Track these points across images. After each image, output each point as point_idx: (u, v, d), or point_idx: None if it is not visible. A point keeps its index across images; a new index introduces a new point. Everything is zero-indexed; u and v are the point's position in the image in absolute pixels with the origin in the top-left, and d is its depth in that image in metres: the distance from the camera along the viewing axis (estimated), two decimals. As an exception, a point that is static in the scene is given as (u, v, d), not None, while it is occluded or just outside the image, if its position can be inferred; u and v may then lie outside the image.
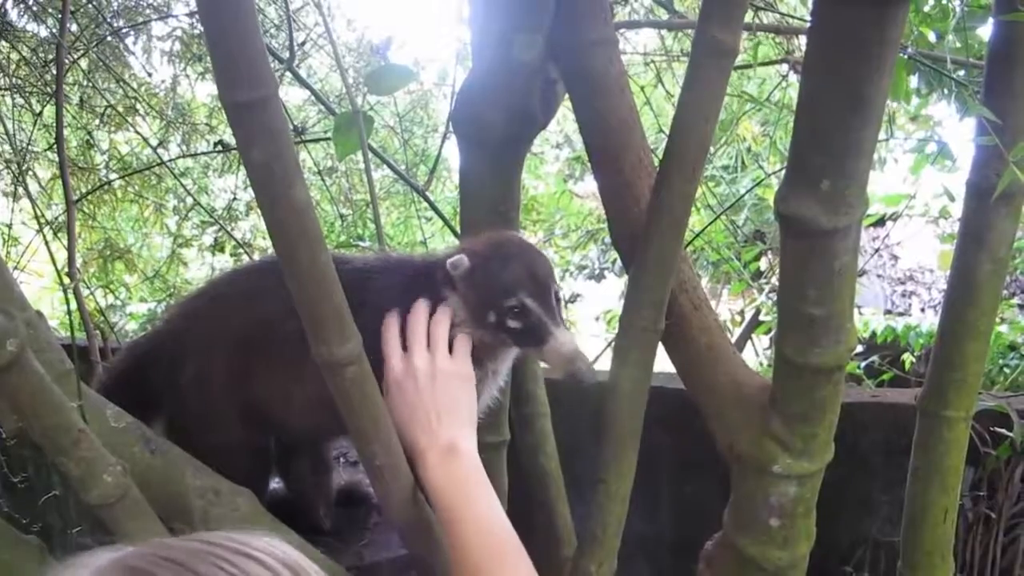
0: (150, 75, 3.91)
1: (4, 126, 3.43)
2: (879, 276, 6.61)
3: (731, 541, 1.59)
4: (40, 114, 3.40)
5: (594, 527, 1.59)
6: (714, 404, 1.56)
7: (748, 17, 2.83)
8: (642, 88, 3.48)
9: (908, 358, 3.98)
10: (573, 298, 5.77)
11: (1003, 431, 2.31)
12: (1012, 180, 1.36)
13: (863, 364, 4.02)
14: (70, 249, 2.24)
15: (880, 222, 6.44)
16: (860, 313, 5.39)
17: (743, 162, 4.95)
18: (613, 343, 1.58)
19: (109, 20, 3.40)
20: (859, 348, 4.40)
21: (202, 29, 1.10)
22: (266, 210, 1.15)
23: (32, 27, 3.61)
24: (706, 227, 3.22)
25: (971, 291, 1.53)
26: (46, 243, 2.18)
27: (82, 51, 3.37)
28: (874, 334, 4.44)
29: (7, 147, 3.56)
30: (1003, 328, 3.67)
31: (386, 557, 1.77)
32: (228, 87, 1.08)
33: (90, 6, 3.28)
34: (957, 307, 1.57)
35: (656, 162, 1.54)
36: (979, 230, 1.51)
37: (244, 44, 1.05)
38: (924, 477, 1.66)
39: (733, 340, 4.87)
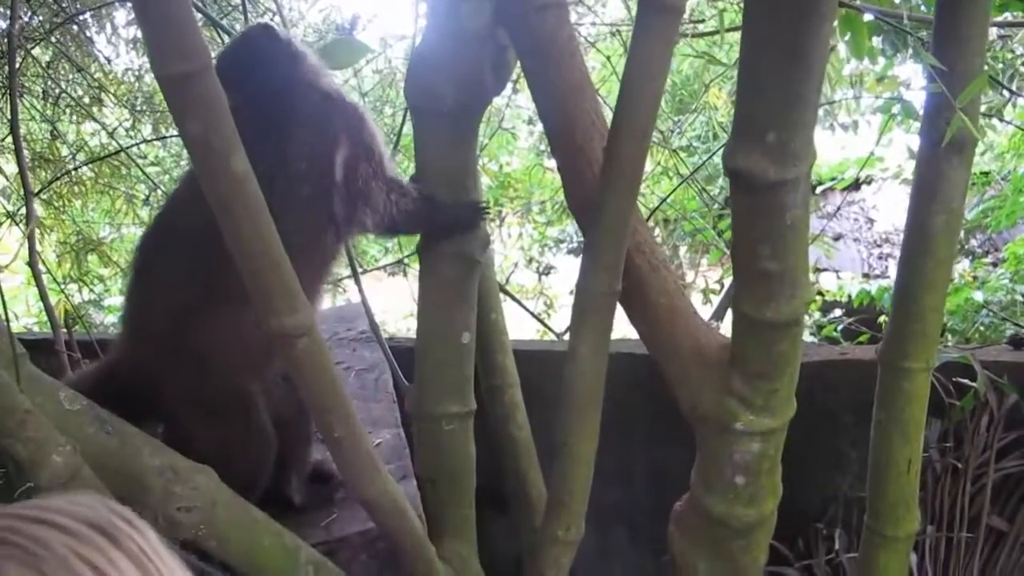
0: (110, 61, 3.86)
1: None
2: (855, 240, 6.62)
3: (699, 501, 1.60)
4: (1, 108, 3.37)
5: (559, 492, 1.59)
6: (676, 366, 1.56)
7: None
8: (608, 58, 3.46)
9: (884, 320, 4.00)
10: (547, 270, 5.77)
11: (968, 382, 2.32)
12: (960, 127, 1.36)
13: (840, 327, 4.04)
14: (30, 240, 2.22)
15: (855, 185, 6.46)
16: (838, 277, 5.41)
17: (715, 132, 4.94)
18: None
19: (66, 8, 3.35)
20: (836, 312, 4.43)
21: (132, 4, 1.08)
22: (205, 183, 1.14)
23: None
24: (671, 192, 3.22)
25: (926, 242, 1.54)
26: (16, 238, 2.15)
27: (38, 41, 3.33)
28: (850, 297, 4.45)
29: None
30: (978, 294, 3.68)
31: (354, 531, 1.77)
32: (160, 60, 1.07)
33: (46, -4, 3.24)
34: (913, 259, 1.57)
35: (610, 126, 1.53)
36: (932, 181, 1.51)
37: (173, 17, 1.04)
38: (886, 429, 1.67)
39: (713, 308, 4.89)
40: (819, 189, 6.25)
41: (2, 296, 1.49)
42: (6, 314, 1.99)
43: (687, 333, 1.55)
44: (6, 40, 2.69)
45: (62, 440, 1.16)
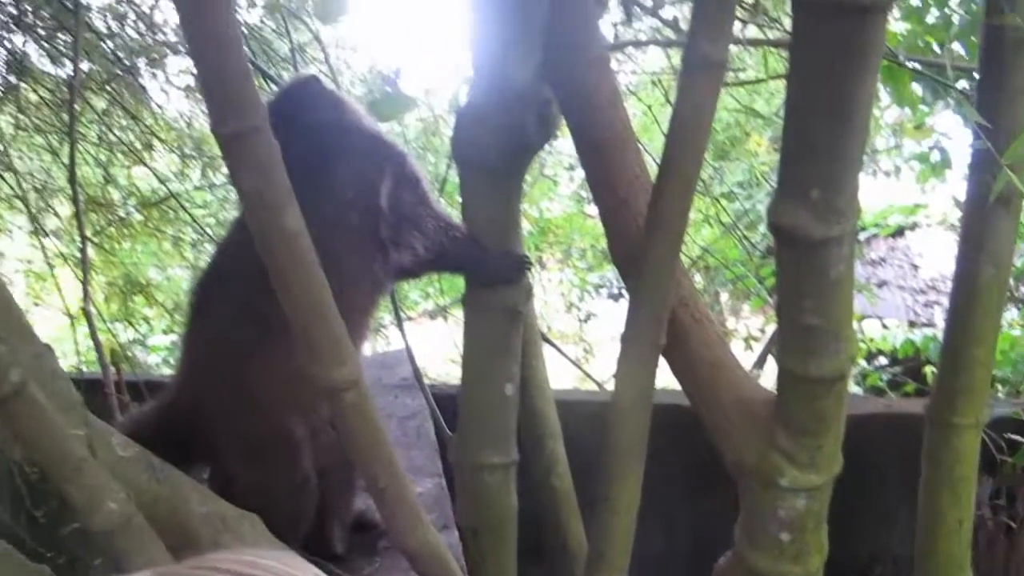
0: (162, 108, 3.96)
1: (24, 165, 3.49)
2: (900, 287, 6.54)
3: (743, 557, 1.57)
4: (58, 153, 3.47)
5: (600, 544, 1.58)
6: (719, 419, 1.55)
7: (753, 32, 2.83)
8: (649, 107, 3.48)
9: (929, 370, 3.94)
10: (588, 317, 5.77)
11: (1020, 438, 2.28)
12: (1007, 182, 1.36)
13: (885, 378, 3.99)
14: (84, 283, 2.28)
15: (899, 232, 6.40)
16: (883, 325, 5.35)
17: (757, 178, 4.94)
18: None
19: (122, 59, 3.45)
20: (881, 361, 4.37)
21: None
22: (258, 235, 1.17)
23: (50, 68, 3.69)
24: (714, 242, 3.22)
25: (973, 294, 1.52)
26: (55, 280, 2.21)
27: (96, 90, 3.43)
28: (895, 347, 4.40)
29: (27, 185, 3.63)
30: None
31: (396, 581, 1.77)
32: (218, 118, 1.10)
33: (104, 46, 3.34)
34: (961, 311, 1.56)
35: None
36: (979, 232, 1.50)
37: (231, 78, 1.07)
38: (935, 486, 1.64)
39: (754, 357, 4.86)
40: (863, 236, 6.20)
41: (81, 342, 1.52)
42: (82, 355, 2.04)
43: (730, 386, 1.54)
44: (66, 88, 2.78)
45: (116, 487, 1.18)
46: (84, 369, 4.48)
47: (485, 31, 1.59)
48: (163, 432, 1.63)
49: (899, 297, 6.51)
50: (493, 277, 1.70)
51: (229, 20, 1.04)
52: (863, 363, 4.28)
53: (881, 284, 6.10)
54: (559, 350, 2.94)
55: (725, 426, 1.54)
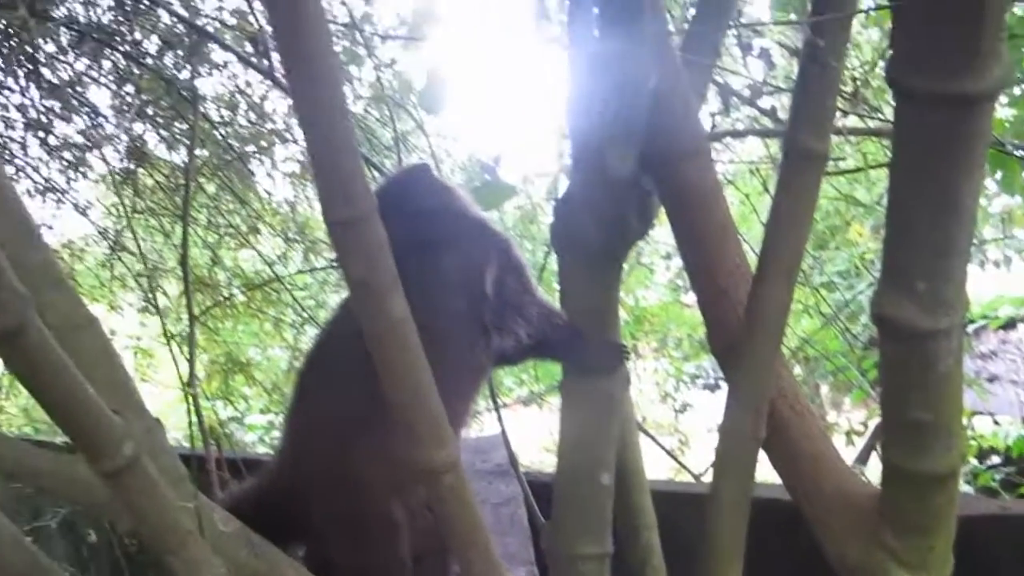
0: (268, 193, 4.13)
1: (138, 245, 3.66)
2: (1012, 382, 6.28)
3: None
4: (170, 235, 3.64)
5: (698, 643, 1.54)
6: (821, 513, 1.51)
7: (853, 121, 2.82)
8: (747, 196, 3.48)
9: (1047, 469, 3.77)
10: (683, 408, 5.68)
11: None
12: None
13: (998, 477, 3.83)
14: (191, 361, 2.36)
15: (1009, 324, 6.18)
16: (995, 422, 5.14)
17: (858, 267, 4.86)
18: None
19: (233, 146, 3.63)
20: (994, 459, 4.19)
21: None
22: (364, 320, 1.20)
23: (166, 155, 3.90)
24: (814, 333, 3.16)
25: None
26: (171, 355, 2.30)
27: (208, 175, 3.61)
28: (1008, 446, 4.21)
29: (140, 265, 3.81)
30: None
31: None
32: (328, 206, 1.15)
33: (216, 133, 3.52)
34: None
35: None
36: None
37: (341, 167, 1.12)
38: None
39: (857, 451, 4.71)
40: (972, 328, 6.01)
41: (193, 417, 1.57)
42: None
43: (833, 480, 1.50)
44: (180, 173, 2.94)
45: (217, 562, 1.21)
46: (185, 444, 4.62)
47: (585, 121, 1.63)
48: (262, 510, 1.66)
49: (1011, 392, 6.25)
50: (592, 365, 1.70)
51: (343, 113, 1.09)
52: (974, 462, 4.10)
53: (992, 379, 5.87)
54: (655, 440, 2.90)
55: (827, 520, 1.49)
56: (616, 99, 1.53)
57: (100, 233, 4.22)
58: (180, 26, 3.37)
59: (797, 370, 5.43)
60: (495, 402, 2.18)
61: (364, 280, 1.17)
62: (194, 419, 2.40)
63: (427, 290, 1.63)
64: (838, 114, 2.93)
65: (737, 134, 3.37)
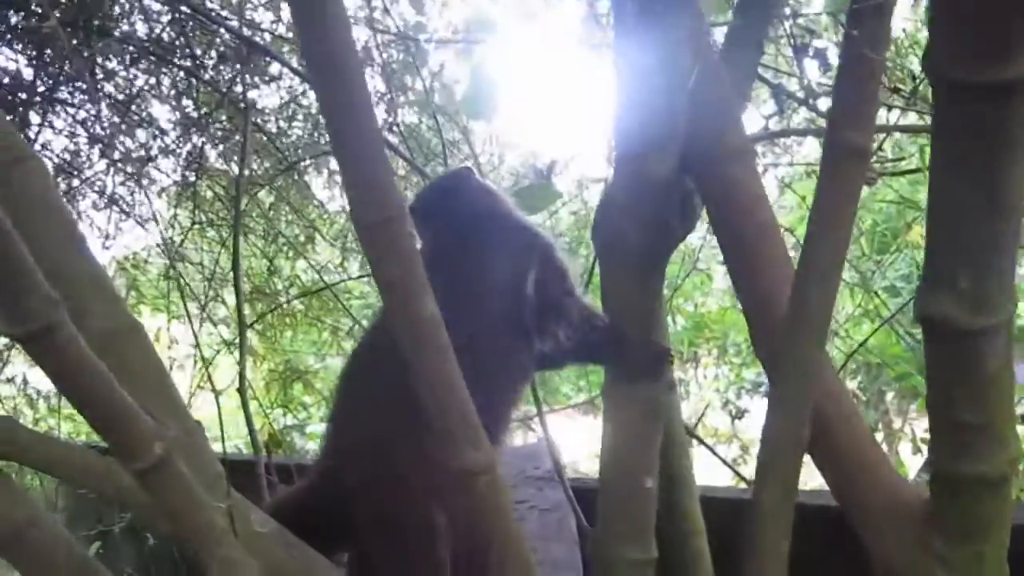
0: (323, 205, 4.18)
1: (200, 256, 3.75)
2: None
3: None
4: (228, 245, 3.70)
5: (741, 653, 1.51)
6: (868, 521, 1.47)
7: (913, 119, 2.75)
8: (803, 198, 3.42)
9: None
10: (740, 414, 5.60)
11: None
12: None
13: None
14: (241, 367, 2.40)
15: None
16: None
17: (920, 271, 4.72)
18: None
19: (288, 157, 3.69)
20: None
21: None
22: (397, 323, 1.21)
23: (224, 166, 3.98)
24: (867, 338, 3.09)
25: None
26: (206, 365, 2.34)
27: (263, 186, 3.67)
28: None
29: (199, 276, 3.89)
30: None
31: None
32: (358, 209, 1.15)
33: (272, 145, 3.58)
34: None
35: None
36: None
37: (370, 170, 1.13)
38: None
39: (923, 460, 4.58)
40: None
41: (219, 419, 1.60)
42: (222, 434, 2.14)
43: (880, 486, 1.46)
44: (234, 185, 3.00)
45: (251, 562, 1.22)
46: (244, 451, 4.69)
47: (626, 121, 1.61)
48: (305, 514, 1.67)
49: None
50: (633, 368, 1.68)
51: (370, 116, 1.10)
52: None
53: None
54: (706, 445, 2.86)
55: (874, 528, 1.46)
56: (655, 98, 1.51)
57: (158, 246, 4.31)
58: (235, 40, 3.43)
59: (859, 378, 5.32)
60: (539, 407, 2.17)
61: (394, 282, 1.17)
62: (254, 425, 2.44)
63: (469, 292, 1.64)
64: (897, 112, 2.88)
65: (779, 134, 3.33)
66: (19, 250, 0.93)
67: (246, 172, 3.11)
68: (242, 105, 3.12)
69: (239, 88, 3.36)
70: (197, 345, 2.73)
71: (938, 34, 1.07)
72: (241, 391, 2.35)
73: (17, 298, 0.94)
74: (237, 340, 2.72)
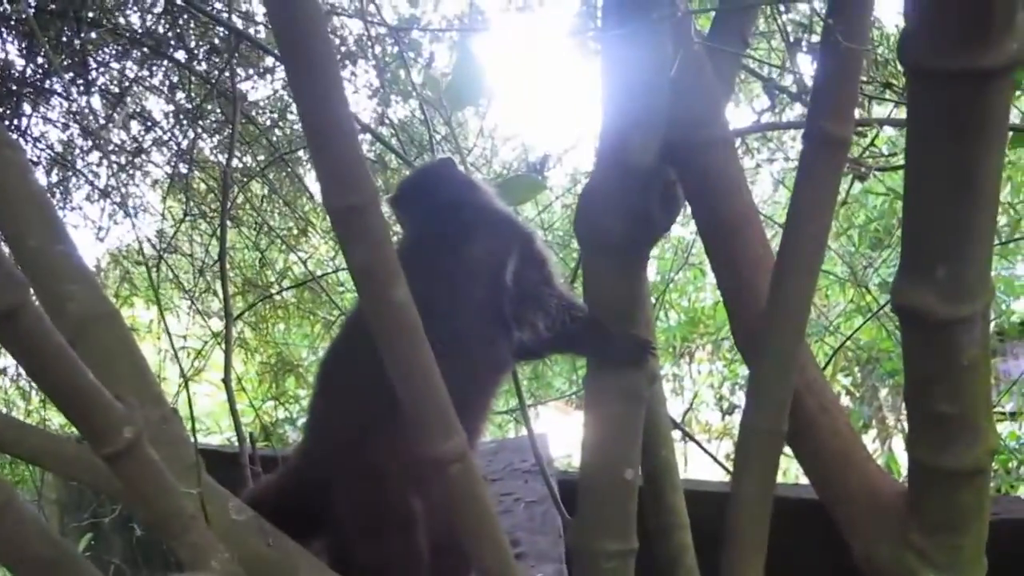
0: (315, 198, 4.17)
1: (191, 248, 3.75)
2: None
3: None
4: (218, 236, 3.69)
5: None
6: (848, 513, 1.46)
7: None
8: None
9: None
10: (731, 409, 5.60)
11: None
12: None
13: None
14: (227, 358, 2.39)
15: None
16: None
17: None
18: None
19: (280, 149, 3.68)
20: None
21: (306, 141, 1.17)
22: (368, 309, 1.20)
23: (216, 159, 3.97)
24: (855, 331, 3.08)
25: None
26: (194, 357, 2.34)
27: (253, 177, 3.67)
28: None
29: (190, 268, 3.88)
30: None
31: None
32: (329, 193, 1.14)
33: (264, 137, 3.57)
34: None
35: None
36: None
37: (343, 154, 1.11)
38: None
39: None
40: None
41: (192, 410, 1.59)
42: (193, 425, 2.13)
43: (860, 478, 1.45)
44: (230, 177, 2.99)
45: (222, 548, 1.21)
46: (235, 443, 4.69)
47: (607, 111, 1.60)
48: (284, 503, 1.66)
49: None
50: (613, 359, 1.67)
51: (341, 99, 1.08)
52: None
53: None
54: (694, 439, 2.86)
55: (853, 520, 1.45)
56: (636, 86, 1.50)
57: (149, 240, 4.30)
58: (225, 31, 3.42)
59: (853, 374, 5.32)
60: (521, 401, 2.16)
61: (366, 268, 1.16)
62: (239, 416, 2.44)
63: (449, 281, 1.64)
64: (889, 106, 2.87)
65: (767, 127, 3.32)
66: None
67: (235, 163, 3.10)
68: (231, 94, 3.11)
69: (228, 78, 3.35)
70: (184, 337, 2.72)
71: (913, 20, 1.06)
72: (226, 382, 2.34)
73: (-18, 280, 0.93)
74: (221, 331, 2.72)
